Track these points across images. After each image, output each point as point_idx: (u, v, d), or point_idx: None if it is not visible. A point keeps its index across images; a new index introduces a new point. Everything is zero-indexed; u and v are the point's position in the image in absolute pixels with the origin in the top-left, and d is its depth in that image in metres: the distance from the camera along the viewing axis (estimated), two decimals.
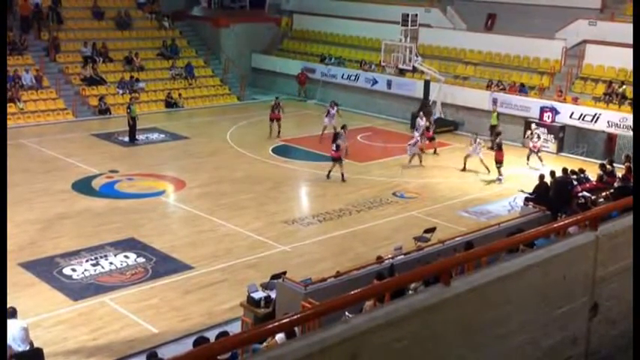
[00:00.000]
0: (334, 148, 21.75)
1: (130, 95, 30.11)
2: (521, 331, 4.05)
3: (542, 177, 17.22)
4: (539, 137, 24.15)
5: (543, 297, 4.14)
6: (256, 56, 37.80)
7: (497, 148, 22.34)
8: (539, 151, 23.81)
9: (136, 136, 26.26)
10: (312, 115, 27.76)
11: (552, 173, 17.46)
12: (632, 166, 17.67)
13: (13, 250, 15.12)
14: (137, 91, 31.61)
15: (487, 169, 22.60)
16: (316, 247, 16.77)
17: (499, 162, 22.21)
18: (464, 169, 23.24)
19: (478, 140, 23.17)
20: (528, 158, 23.78)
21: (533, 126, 24.92)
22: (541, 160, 23.50)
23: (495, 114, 26.97)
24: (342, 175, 21.75)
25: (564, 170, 17.69)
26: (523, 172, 23.20)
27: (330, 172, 21.93)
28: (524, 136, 26.84)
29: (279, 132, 26.83)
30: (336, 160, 21.76)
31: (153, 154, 24.90)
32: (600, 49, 27.12)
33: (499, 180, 22.15)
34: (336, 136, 22.18)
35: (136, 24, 35.52)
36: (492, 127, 26.42)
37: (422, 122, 25.27)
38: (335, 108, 26.91)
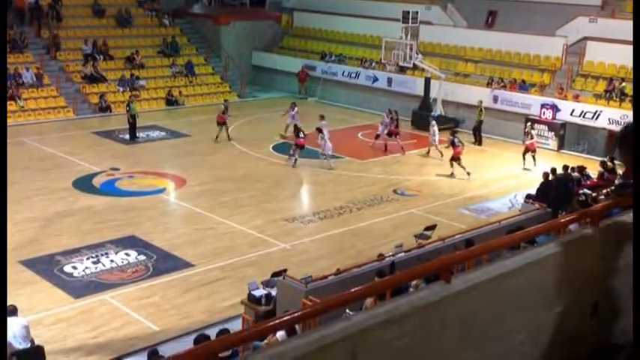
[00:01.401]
0: (301, 135, 22.93)
1: (130, 93, 30.09)
2: (522, 329, 4.05)
3: (546, 175, 17.19)
4: (532, 137, 23.64)
5: (543, 295, 4.13)
6: (257, 54, 37.78)
7: (452, 145, 22.22)
8: (534, 151, 23.44)
9: (137, 134, 26.25)
10: (312, 112, 27.73)
11: (553, 171, 17.45)
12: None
13: (13, 248, 15.14)
14: (138, 89, 31.60)
15: (440, 153, 23.74)
16: (317, 245, 16.77)
17: (454, 159, 22.11)
18: (428, 154, 24.58)
19: (433, 122, 24.25)
20: (534, 158, 23.35)
21: (528, 125, 24.47)
22: (534, 160, 23.24)
23: (480, 109, 26.92)
24: (295, 160, 22.93)
25: (565, 168, 17.68)
26: (521, 171, 23.21)
27: (295, 160, 22.79)
28: (524, 134, 26.86)
29: (228, 135, 25.94)
30: (300, 147, 22.84)
31: (153, 152, 24.90)
32: (601, 46, 27.10)
33: (453, 175, 22.07)
34: (297, 129, 23.44)
35: (137, 21, 35.53)
36: (480, 123, 26.81)
37: (386, 119, 25.43)
38: (295, 109, 26.22)
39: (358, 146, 26.20)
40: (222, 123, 25.93)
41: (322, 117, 24.36)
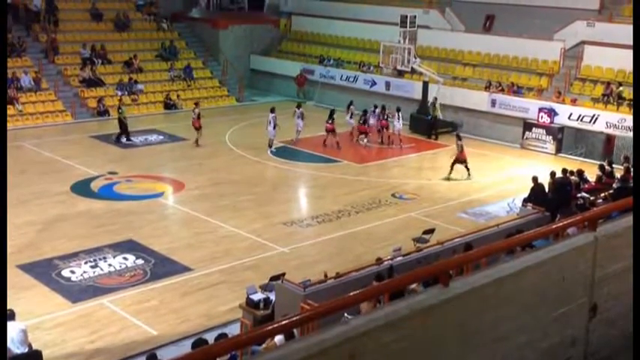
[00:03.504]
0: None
1: (120, 96, 29.84)
2: (520, 333, 4.05)
3: (535, 179, 17.19)
4: (462, 149, 22.38)
5: (542, 298, 4.13)
6: (255, 58, 37.81)
7: (362, 123, 26.39)
8: (464, 161, 22.29)
9: (120, 138, 26.08)
10: (310, 116, 27.75)
11: (552, 174, 17.44)
12: (630, 167, 17.67)
13: (12, 252, 15.12)
14: (136, 93, 31.61)
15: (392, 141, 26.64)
16: (315, 249, 16.76)
17: (362, 132, 26.33)
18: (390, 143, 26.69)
19: (397, 115, 26.51)
20: (467, 168, 22.41)
21: (456, 134, 23.49)
22: (467, 170, 22.32)
23: (438, 105, 28.17)
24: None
25: (564, 171, 17.66)
26: (519, 174, 23.21)
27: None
28: (522, 137, 26.92)
29: (197, 141, 25.85)
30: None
31: (152, 156, 24.88)
32: (598, 50, 27.14)
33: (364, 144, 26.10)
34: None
35: (135, 26, 35.54)
36: (434, 119, 28.15)
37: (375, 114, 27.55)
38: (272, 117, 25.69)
39: (356, 150, 26.20)
40: (198, 127, 25.79)
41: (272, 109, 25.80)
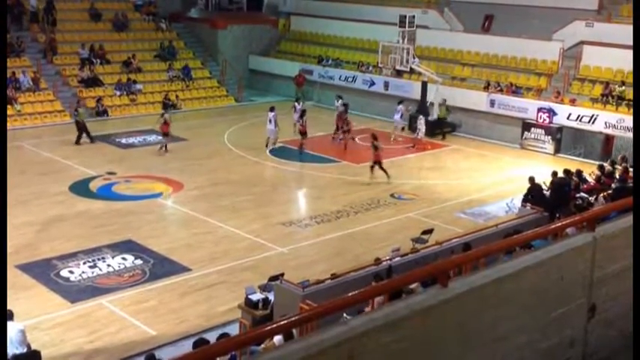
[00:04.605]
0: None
1: (77, 100, 29.07)
2: (519, 333, 4.05)
3: (532, 179, 17.19)
4: (376, 148, 22.11)
5: (541, 298, 4.14)
6: (254, 58, 37.81)
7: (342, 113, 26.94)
8: (380, 163, 22.01)
9: (80, 140, 25.63)
10: (309, 117, 27.71)
11: (554, 174, 17.44)
12: (628, 166, 17.68)
13: (10, 253, 15.11)
14: (134, 93, 31.60)
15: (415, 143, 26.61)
16: (314, 249, 16.75)
17: (339, 127, 26.70)
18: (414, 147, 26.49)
19: (420, 118, 26.71)
20: (384, 170, 21.93)
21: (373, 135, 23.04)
22: (384, 171, 21.83)
23: (444, 107, 28.56)
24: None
25: (566, 172, 17.65)
26: (518, 174, 23.23)
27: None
28: (521, 138, 26.93)
29: (166, 146, 25.16)
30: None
31: (150, 156, 24.84)
32: (597, 50, 27.17)
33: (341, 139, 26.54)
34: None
35: (133, 26, 35.52)
36: (442, 120, 28.53)
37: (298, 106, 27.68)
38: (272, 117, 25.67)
39: (355, 150, 26.19)
40: (167, 133, 25.23)
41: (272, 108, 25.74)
